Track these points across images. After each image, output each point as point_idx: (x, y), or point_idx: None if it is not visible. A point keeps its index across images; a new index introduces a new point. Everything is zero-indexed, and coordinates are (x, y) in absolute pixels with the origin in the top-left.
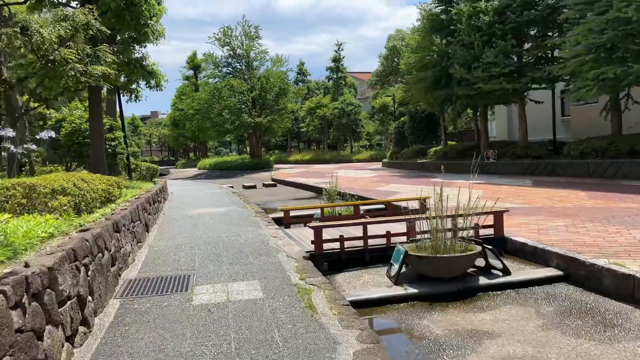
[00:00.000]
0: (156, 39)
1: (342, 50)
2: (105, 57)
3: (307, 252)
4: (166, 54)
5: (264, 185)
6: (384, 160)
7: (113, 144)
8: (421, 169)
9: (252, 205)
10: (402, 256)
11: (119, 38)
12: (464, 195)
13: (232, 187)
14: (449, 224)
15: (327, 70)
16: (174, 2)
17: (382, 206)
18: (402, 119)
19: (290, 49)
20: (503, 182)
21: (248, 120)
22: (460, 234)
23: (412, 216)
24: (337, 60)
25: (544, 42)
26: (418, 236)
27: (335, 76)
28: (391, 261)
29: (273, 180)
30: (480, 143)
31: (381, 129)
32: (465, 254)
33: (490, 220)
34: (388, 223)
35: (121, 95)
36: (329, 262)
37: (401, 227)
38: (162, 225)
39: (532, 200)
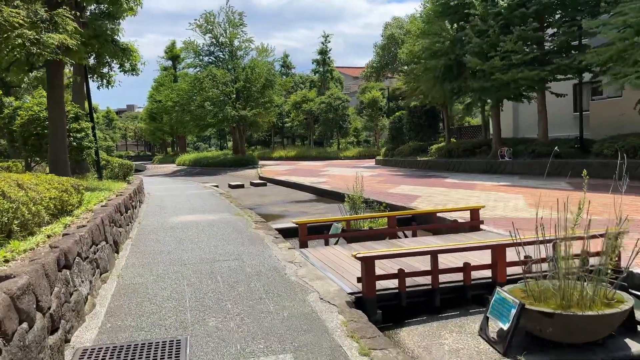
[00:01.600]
0: (131, 9)
1: (329, 42)
2: (65, 24)
3: (350, 293)
4: (143, 48)
5: (252, 184)
6: (377, 157)
7: (79, 136)
8: (423, 167)
9: (247, 211)
10: (515, 311)
11: (88, 14)
12: (506, 201)
13: (217, 186)
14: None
15: (313, 62)
16: None
17: (410, 215)
18: (397, 113)
19: (269, 44)
20: (533, 184)
21: (232, 113)
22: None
23: (517, 240)
24: (323, 52)
25: (572, 27)
26: (510, 270)
27: (321, 69)
28: (487, 314)
29: (261, 178)
30: (492, 140)
31: (370, 124)
32: (617, 310)
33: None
34: (464, 252)
35: (91, 80)
36: (383, 308)
37: (483, 257)
38: (137, 240)
39: (595, 209)
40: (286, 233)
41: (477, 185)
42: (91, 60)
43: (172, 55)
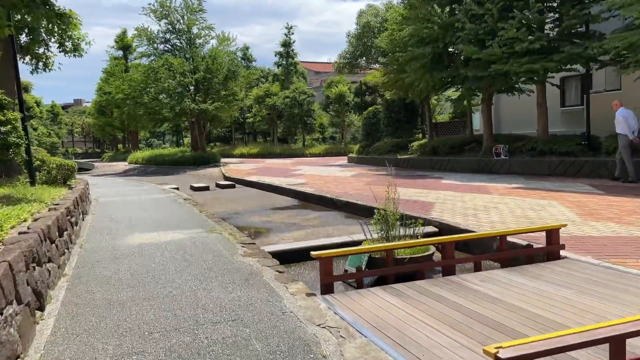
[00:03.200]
0: None
1: (293, 34)
2: None
3: None
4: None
5: (218, 186)
6: (350, 155)
7: (3, 129)
8: (405, 166)
9: (224, 224)
10: None
11: None
12: (545, 210)
13: (178, 188)
14: None
15: (275, 55)
16: None
17: (434, 230)
18: (370, 108)
19: (230, 32)
20: (549, 186)
21: (191, 106)
22: None
23: None
24: (287, 44)
25: (583, 10)
26: None
27: (285, 62)
28: None
29: (228, 179)
30: (482, 137)
31: (337, 120)
32: None
33: None
34: None
35: (24, 62)
36: None
37: None
38: (75, 281)
39: None
40: (284, 257)
41: (487, 188)
42: (23, 37)
43: (123, 45)
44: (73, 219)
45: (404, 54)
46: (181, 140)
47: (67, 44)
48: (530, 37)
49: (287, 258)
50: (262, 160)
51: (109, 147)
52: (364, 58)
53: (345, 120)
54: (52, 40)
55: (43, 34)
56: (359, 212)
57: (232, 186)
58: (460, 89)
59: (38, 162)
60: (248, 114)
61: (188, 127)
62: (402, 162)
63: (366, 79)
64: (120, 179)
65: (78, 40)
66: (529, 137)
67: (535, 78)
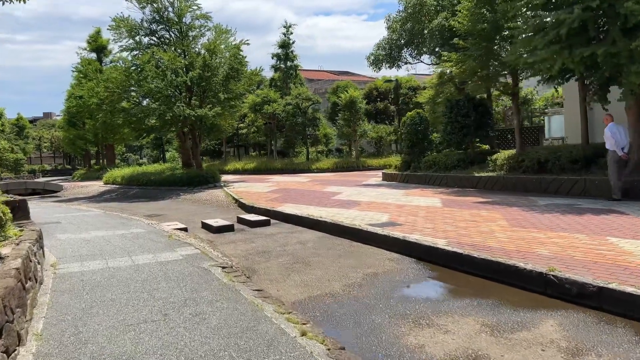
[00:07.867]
0: None
1: (292, 33)
2: None
3: None
4: (60, 55)
5: (243, 222)
6: (385, 171)
7: None
8: (490, 187)
9: None
10: None
11: None
12: None
13: (186, 229)
14: None
15: (273, 57)
16: (70, 1)
17: None
18: (409, 113)
19: (228, 25)
20: None
21: (186, 112)
22: None
23: None
24: (285, 45)
25: None
26: None
27: (283, 65)
28: None
29: (249, 209)
30: (631, 147)
31: (347, 130)
32: None
33: None
34: None
35: None
36: None
37: None
38: None
39: None
40: None
41: None
42: None
43: (97, 45)
44: None
45: (528, 25)
46: (162, 155)
47: None
48: None
49: None
50: (265, 178)
51: (81, 163)
52: (409, 48)
53: (357, 130)
54: None
55: None
56: None
57: (267, 223)
58: (605, 73)
59: None
60: (241, 124)
61: (174, 138)
62: (482, 183)
63: (377, 83)
64: (95, 208)
65: None
66: None
67: None
